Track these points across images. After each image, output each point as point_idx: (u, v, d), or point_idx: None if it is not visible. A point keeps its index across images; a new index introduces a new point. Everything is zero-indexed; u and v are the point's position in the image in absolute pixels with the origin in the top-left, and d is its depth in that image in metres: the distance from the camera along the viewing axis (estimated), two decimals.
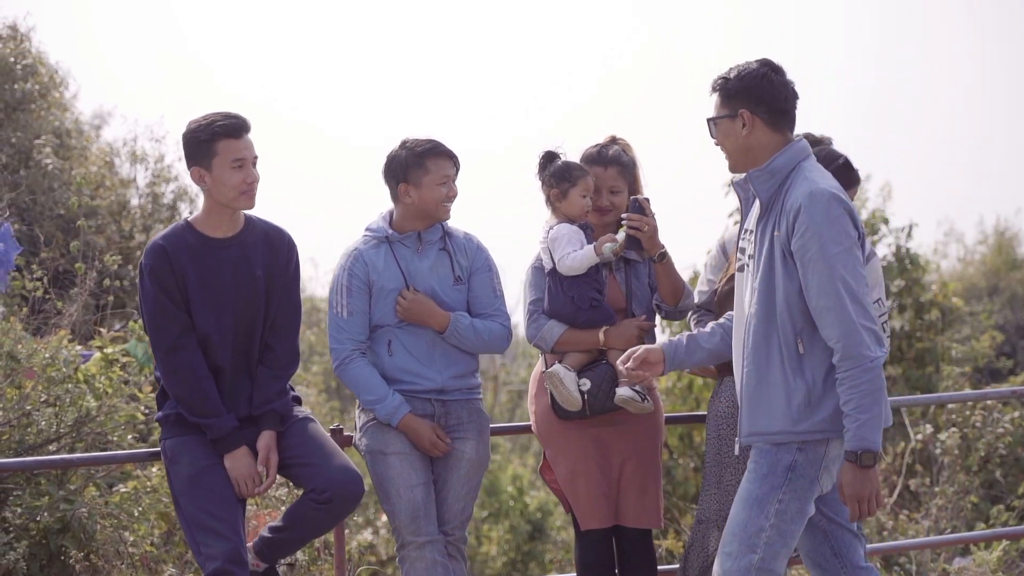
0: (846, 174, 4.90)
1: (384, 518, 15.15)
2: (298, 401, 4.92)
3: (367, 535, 15.43)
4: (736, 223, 5.57)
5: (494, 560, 15.84)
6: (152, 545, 6.46)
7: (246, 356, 4.72)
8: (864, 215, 13.06)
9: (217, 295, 4.65)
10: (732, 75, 4.19)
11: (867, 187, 13.23)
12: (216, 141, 4.59)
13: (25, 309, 8.60)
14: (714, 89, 4.23)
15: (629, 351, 4.40)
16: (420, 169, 4.92)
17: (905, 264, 12.62)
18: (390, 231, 5.00)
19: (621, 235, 4.98)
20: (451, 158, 4.98)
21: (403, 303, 4.93)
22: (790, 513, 4.06)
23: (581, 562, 5.10)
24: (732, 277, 4.84)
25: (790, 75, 4.22)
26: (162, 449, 4.70)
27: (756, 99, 4.15)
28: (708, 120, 4.24)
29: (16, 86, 13.22)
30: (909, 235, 12.82)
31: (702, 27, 38.75)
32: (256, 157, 4.71)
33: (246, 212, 4.78)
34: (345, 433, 5.20)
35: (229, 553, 4.47)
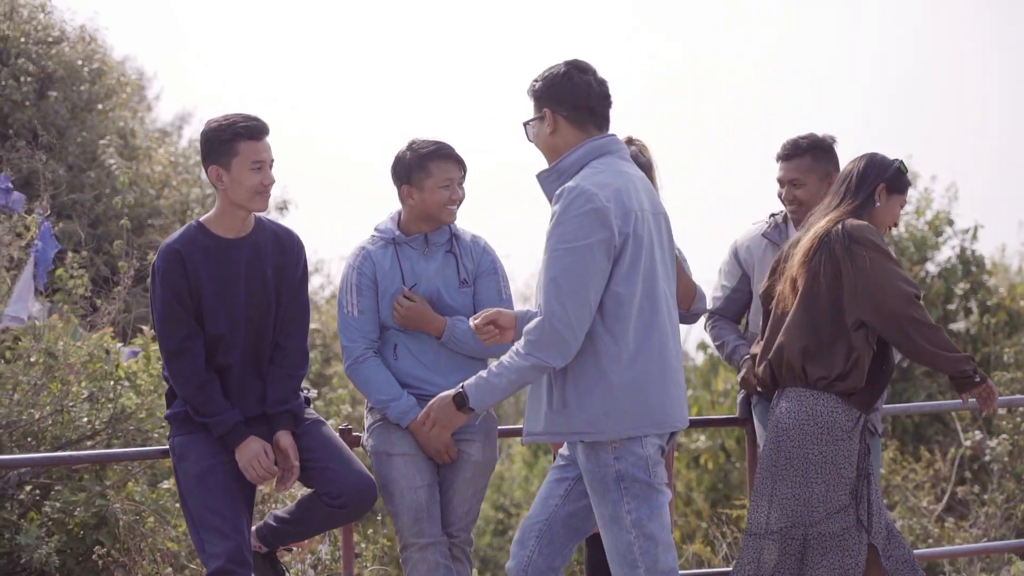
0: (898, 180, 4.85)
1: None
2: (308, 403, 4.95)
3: None
4: (754, 224, 5.52)
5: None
6: (173, 541, 6.53)
7: (256, 355, 4.75)
8: (928, 216, 12.87)
9: (229, 295, 4.68)
10: (538, 77, 4.23)
11: (933, 188, 13.04)
12: (237, 141, 4.63)
13: (72, 307, 8.74)
14: (527, 93, 4.27)
15: (483, 311, 4.39)
16: (423, 172, 4.91)
17: (970, 266, 12.40)
18: (397, 232, 4.99)
19: None
20: (456, 161, 4.95)
21: (399, 310, 4.91)
22: (645, 517, 4.10)
23: (590, 565, 5.07)
24: (773, 284, 4.85)
25: (596, 75, 4.22)
26: (170, 447, 4.75)
27: (558, 99, 4.18)
28: (523, 123, 4.30)
29: (83, 88, 13.44)
30: (975, 236, 12.61)
31: (740, 31, 38.54)
32: (273, 160, 4.75)
33: (256, 214, 4.82)
34: (354, 433, 5.22)
35: (232, 552, 4.50)
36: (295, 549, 6.51)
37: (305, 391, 4.93)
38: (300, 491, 5.55)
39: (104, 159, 12.14)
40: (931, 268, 12.62)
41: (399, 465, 4.85)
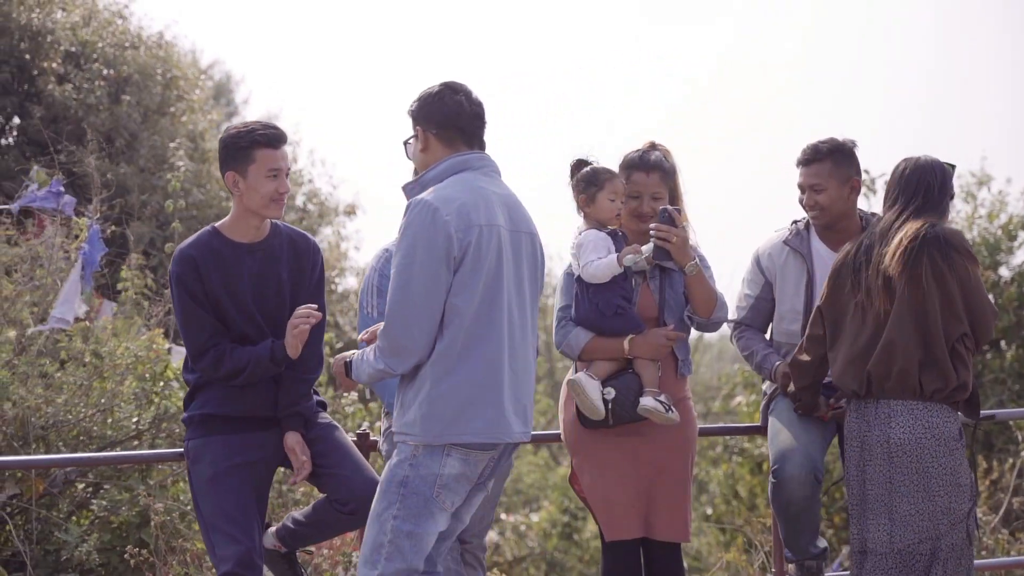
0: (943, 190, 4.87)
1: (511, 519, 15.24)
2: (323, 407, 4.98)
3: (493, 535, 15.53)
4: (776, 232, 5.45)
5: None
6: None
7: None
8: (1003, 219, 12.59)
9: (243, 299, 4.73)
10: (415, 98, 4.41)
11: (1008, 191, 12.77)
12: (255, 149, 4.68)
13: (134, 307, 8.87)
14: (407, 113, 4.45)
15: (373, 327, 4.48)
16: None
17: None
18: None
19: (649, 246, 4.90)
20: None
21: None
22: (404, 531, 4.16)
23: (607, 573, 5.03)
24: (837, 294, 4.84)
25: (470, 95, 4.39)
26: (185, 449, 4.80)
27: (429, 117, 4.37)
28: (403, 142, 4.47)
29: (155, 91, 13.66)
30: None
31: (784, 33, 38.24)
32: (289, 169, 4.81)
33: (272, 220, 4.86)
34: (372, 438, 5.24)
35: (241, 556, 4.55)
36: (327, 551, 6.56)
37: (318, 393, 4.97)
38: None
39: (173, 161, 12.32)
40: (1004, 273, 12.34)
41: None
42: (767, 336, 5.50)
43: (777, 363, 5.29)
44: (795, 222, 5.43)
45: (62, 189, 8.10)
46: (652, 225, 4.89)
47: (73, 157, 11.75)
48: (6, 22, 12.86)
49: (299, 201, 15.34)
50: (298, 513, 4.95)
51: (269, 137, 4.69)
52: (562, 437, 5.15)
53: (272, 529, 4.97)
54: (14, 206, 8.40)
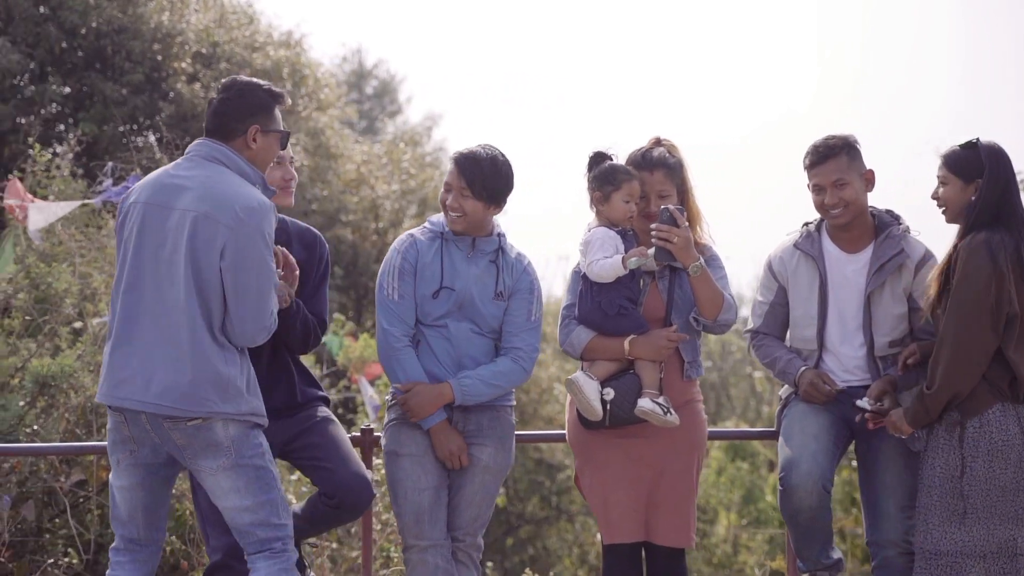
0: None
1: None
2: (326, 402, 5.02)
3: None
4: (788, 235, 5.27)
5: (751, 569, 15.47)
6: None
7: (281, 348, 4.84)
8: None
9: None
10: None
11: None
12: None
13: None
14: None
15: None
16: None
17: None
18: (446, 229, 4.97)
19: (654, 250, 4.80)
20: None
21: (406, 400, 4.84)
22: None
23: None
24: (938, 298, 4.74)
25: (220, 91, 4.48)
26: None
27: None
28: None
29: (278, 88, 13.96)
30: None
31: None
32: (293, 158, 4.88)
33: (279, 214, 4.92)
34: (375, 434, 5.25)
35: (231, 547, 4.62)
36: (318, 544, 6.61)
37: (321, 388, 5.01)
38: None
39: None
40: None
41: (405, 466, 4.85)
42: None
43: (802, 368, 5.11)
44: (806, 224, 5.24)
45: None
46: (653, 225, 4.78)
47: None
48: (139, 24, 13.32)
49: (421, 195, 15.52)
50: (296, 507, 4.99)
51: None
52: (567, 437, 5.09)
53: None
54: (96, 200, 8.68)
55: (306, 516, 4.90)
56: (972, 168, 4.82)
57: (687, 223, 4.80)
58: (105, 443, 4.54)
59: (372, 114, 31.73)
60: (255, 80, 4.52)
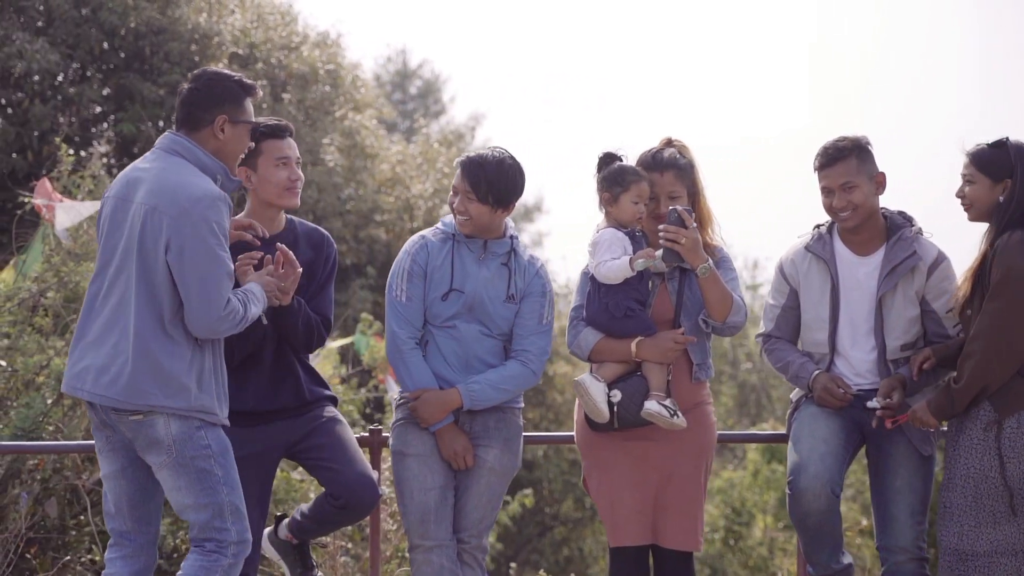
0: None
1: None
2: (334, 401, 5.02)
3: None
4: (799, 238, 5.22)
5: (788, 572, 15.36)
6: None
7: (287, 349, 4.85)
8: None
9: None
10: None
11: None
12: (261, 141, 4.79)
13: None
14: None
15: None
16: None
17: None
18: (458, 231, 4.95)
19: (661, 252, 4.77)
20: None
21: (415, 407, 4.84)
22: (237, 487, 4.40)
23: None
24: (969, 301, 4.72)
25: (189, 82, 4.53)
26: None
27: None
28: None
29: (314, 89, 14.02)
30: None
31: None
32: (299, 159, 4.90)
33: (287, 215, 4.94)
34: (383, 434, 5.26)
35: None
36: (329, 544, 6.62)
37: (329, 388, 5.02)
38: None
39: (325, 158, 12.63)
40: None
41: (412, 466, 4.86)
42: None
43: (815, 372, 5.05)
44: (817, 227, 5.18)
45: None
46: (661, 227, 4.75)
47: None
48: (177, 26, 13.42)
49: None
50: (304, 507, 5.01)
51: (273, 128, 4.82)
52: (575, 439, 5.07)
53: (285, 521, 5.05)
54: None
55: (313, 516, 4.92)
56: (1001, 167, 4.78)
57: (695, 224, 4.77)
58: None
59: (416, 114, 31.82)
60: (225, 71, 4.55)
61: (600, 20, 45.65)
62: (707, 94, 45.62)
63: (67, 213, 7.94)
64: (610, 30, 46.25)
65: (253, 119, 4.53)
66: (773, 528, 15.39)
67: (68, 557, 6.78)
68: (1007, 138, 4.82)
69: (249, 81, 4.55)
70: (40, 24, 13.42)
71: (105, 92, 13.62)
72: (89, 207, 7.99)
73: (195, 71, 4.58)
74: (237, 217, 4.78)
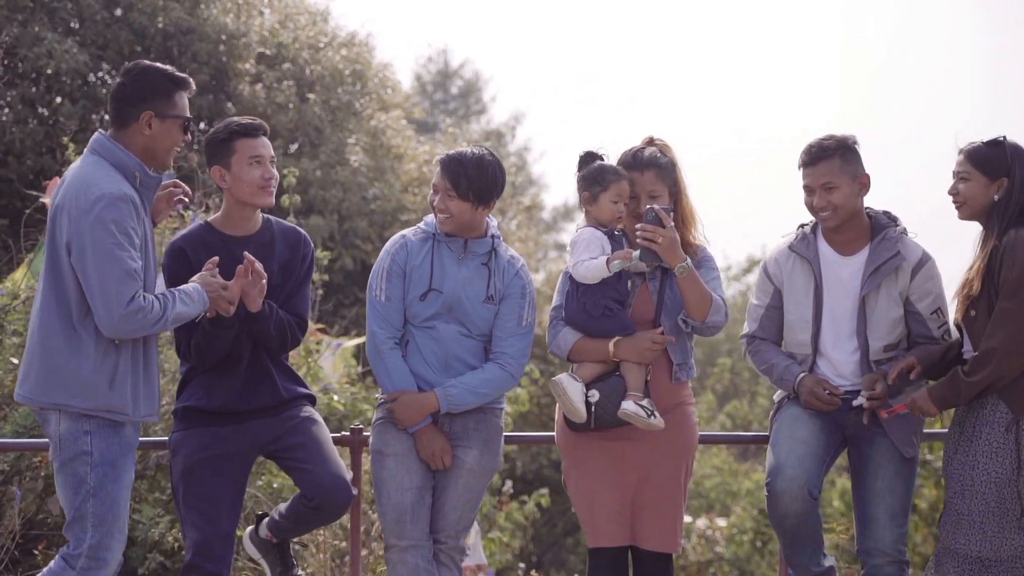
0: None
1: (698, 523, 14.98)
2: (311, 400, 5.02)
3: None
4: (783, 237, 5.15)
5: None
6: None
7: (264, 349, 4.85)
8: None
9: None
10: None
11: None
12: (233, 140, 4.78)
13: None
14: None
15: None
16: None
17: None
18: (438, 230, 4.94)
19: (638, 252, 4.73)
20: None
21: (392, 408, 4.85)
22: (107, 500, 4.35)
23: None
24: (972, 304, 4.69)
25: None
26: (169, 440, 4.93)
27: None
28: None
29: (340, 90, 14.04)
30: None
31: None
32: (273, 157, 4.89)
33: (264, 214, 4.94)
34: (364, 433, 5.25)
35: (199, 545, 4.67)
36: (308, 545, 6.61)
37: (308, 388, 5.02)
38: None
39: (350, 158, 12.64)
40: None
41: (390, 465, 4.85)
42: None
43: (801, 374, 4.98)
44: (802, 226, 5.12)
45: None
46: (638, 226, 4.72)
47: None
48: (204, 26, 13.49)
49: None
50: (282, 506, 5.02)
51: (246, 127, 4.79)
52: (556, 439, 5.04)
53: (265, 520, 5.06)
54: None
55: (289, 516, 4.93)
56: (998, 166, 4.72)
57: (672, 223, 4.72)
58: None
59: (457, 113, 31.83)
60: (156, 64, 4.52)
61: (631, 18, 45.69)
62: (730, 94, 45.53)
63: None
64: (641, 28, 46.32)
65: (185, 113, 4.52)
66: None
67: None
68: (1004, 137, 4.77)
69: (180, 75, 4.53)
70: (72, 25, 13.53)
71: None
72: None
73: (127, 64, 4.56)
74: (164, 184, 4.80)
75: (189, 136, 4.58)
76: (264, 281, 4.66)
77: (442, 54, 33.90)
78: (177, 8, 13.38)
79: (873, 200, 5.09)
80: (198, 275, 4.55)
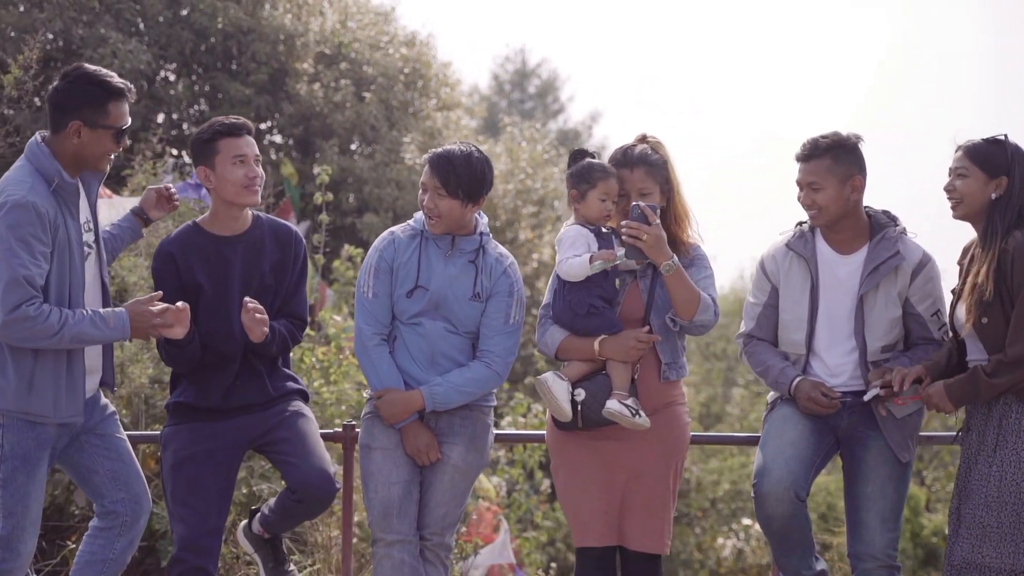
0: None
1: (756, 526, 14.82)
2: (303, 395, 5.04)
3: (734, 541, 15.14)
4: (781, 235, 5.06)
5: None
6: None
7: (254, 349, 4.88)
8: None
9: (226, 291, 4.84)
10: None
11: None
12: (217, 140, 4.81)
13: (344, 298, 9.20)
14: None
15: None
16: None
17: None
18: (426, 228, 4.94)
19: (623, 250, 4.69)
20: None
21: (378, 406, 4.86)
22: (17, 492, 4.36)
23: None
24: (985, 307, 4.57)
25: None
26: (160, 435, 4.97)
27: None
28: None
29: (396, 89, 14.10)
30: None
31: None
32: (258, 156, 4.90)
33: (254, 212, 4.96)
34: (356, 430, 5.25)
35: (184, 540, 4.71)
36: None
37: (299, 382, 5.04)
38: None
39: (405, 156, 12.69)
40: None
41: (377, 459, 4.85)
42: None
43: (796, 378, 4.89)
44: (800, 223, 5.02)
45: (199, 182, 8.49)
46: (623, 223, 4.67)
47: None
48: (262, 26, 13.64)
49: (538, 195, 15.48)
50: (272, 501, 5.04)
51: (230, 127, 4.81)
52: (545, 438, 5.01)
53: (257, 515, 5.09)
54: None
55: (277, 509, 4.96)
56: (997, 164, 4.62)
57: (658, 221, 4.67)
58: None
59: (534, 113, 31.84)
60: (93, 72, 4.49)
61: (694, 24, 45.59)
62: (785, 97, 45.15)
63: (112, 209, 8.09)
64: (703, 35, 46.16)
65: (118, 123, 4.50)
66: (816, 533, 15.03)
67: None
68: (1005, 135, 4.65)
69: (118, 84, 4.51)
70: (136, 27, 13.76)
71: (195, 91, 13.90)
72: (131, 203, 8.14)
73: (65, 69, 4.57)
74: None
75: (124, 144, 4.58)
76: (264, 319, 4.70)
77: (519, 53, 34.00)
78: (236, 8, 13.54)
79: (886, 201, 5.00)
80: (132, 301, 4.56)
